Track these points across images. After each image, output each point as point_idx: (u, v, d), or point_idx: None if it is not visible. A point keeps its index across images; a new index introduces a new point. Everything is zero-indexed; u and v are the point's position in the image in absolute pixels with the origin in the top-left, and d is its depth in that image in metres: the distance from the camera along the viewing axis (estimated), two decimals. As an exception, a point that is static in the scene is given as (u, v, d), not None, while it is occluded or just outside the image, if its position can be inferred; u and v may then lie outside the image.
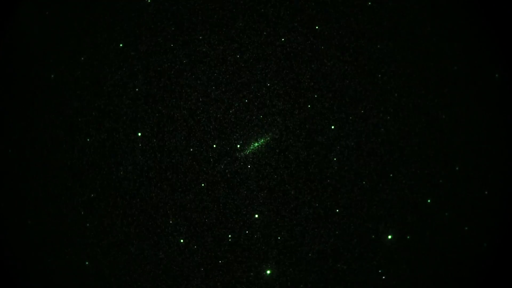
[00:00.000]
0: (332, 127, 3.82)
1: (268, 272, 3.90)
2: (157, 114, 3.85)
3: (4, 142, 4.11)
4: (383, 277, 3.91)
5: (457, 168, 3.93)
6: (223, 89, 3.83)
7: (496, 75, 4.04)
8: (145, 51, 3.89)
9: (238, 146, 3.82)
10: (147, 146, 3.86)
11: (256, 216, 3.84)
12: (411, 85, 3.88)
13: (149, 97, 3.86)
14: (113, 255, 3.94)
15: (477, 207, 3.99)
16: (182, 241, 3.89)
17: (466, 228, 3.98)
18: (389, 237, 3.89)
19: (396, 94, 3.85)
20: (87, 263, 3.98)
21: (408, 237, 3.90)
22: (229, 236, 3.86)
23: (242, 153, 3.83)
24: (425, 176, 3.89)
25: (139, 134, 3.86)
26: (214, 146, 3.82)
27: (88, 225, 3.95)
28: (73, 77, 3.98)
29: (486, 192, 3.99)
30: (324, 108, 3.81)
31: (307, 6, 3.86)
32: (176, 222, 3.87)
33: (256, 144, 3.82)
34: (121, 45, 3.91)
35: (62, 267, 4.04)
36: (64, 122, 3.97)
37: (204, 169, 3.83)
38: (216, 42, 3.84)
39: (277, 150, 3.82)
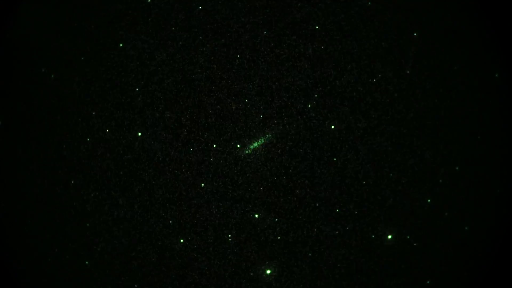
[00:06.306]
0: (332, 127, 3.82)
1: (268, 272, 3.89)
2: (157, 114, 3.85)
3: (4, 142, 4.11)
4: (383, 277, 3.91)
5: (457, 168, 3.93)
6: (223, 89, 3.83)
7: (496, 75, 4.04)
8: (145, 51, 3.89)
9: (238, 145, 3.82)
10: (147, 146, 3.86)
11: (256, 216, 3.84)
12: (411, 85, 3.88)
13: (149, 97, 3.86)
14: (113, 255, 3.94)
15: (477, 207, 3.98)
16: (182, 241, 3.89)
17: (466, 228, 3.97)
18: (389, 237, 3.89)
19: (396, 94, 3.86)
20: (87, 263, 3.98)
21: (408, 237, 3.90)
22: (229, 236, 3.86)
23: (242, 153, 3.83)
24: (425, 176, 3.89)
25: (139, 134, 3.86)
26: (214, 146, 3.82)
27: (88, 225, 3.95)
28: (73, 77, 3.98)
29: (485, 192, 3.99)
30: (324, 108, 3.81)
31: (306, 6, 3.86)
32: (176, 222, 3.87)
33: (257, 144, 3.82)
34: (121, 45, 3.91)
35: (62, 267, 4.04)
36: (64, 122, 3.97)
37: (204, 169, 3.83)
38: (217, 42, 3.84)
39: (277, 150, 3.82)
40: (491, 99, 4.02)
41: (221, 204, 3.85)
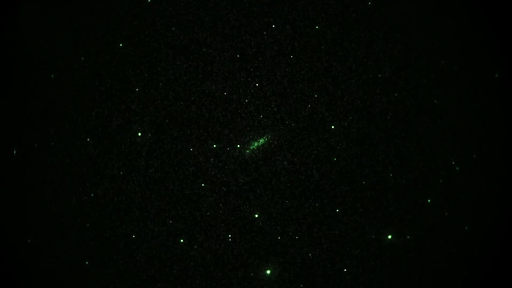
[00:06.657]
0: (332, 126, 3.82)
1: (268, 272, 3.89)
2: (157, 114, 3.85)
3: (4, 142, 4.11)
4: (383, 277, 3.91)
5: (457, 168, 3.93)
6: (223, 89, 3.83)
7: (496, 75, 4.04)
8: (145, 51, 3.89)
9: (238, 146, 3.82)
10: (147, 146, 3.86)
11: (256, 216, 3.84)
12: (411, 84, 3.88)
13: (149, 97, 3.86)
14: (113, 255, 3.94)
15: (477, 207, 3.98)
16: (182, 241, 3.89)
17: (466, 228, 3.97)
18: (389, 237, 3.89)
19: (396, 94, 3.86)
20: (87, 263, 3.98)
21: (408, 237, 3.90)
22: (229, 236, 3.86)
23: (242, 153, 3.83)
24: (425, 176, 3.89)
25: (139, 134, 3.86)
26: (214, 146, 3.82)
27: (88, 225, 3.95)
28: (73, 77, 3.98)
29: (485, 192, 3.99)
30: (324, 107, 3.81)
31: (306, 6, 3.86)
32: (176, 222, 3.87)
33: (256, 144, 3.82)
34: (121, 45, 3.92)
35: (62, 267, 4.04)
36: (64, 122, 3.97)
37: (204, 169, 3.83)
38: (216, 41, 3.84)
39: (277, 150, 3.82)
40: (491, 99, 4.02)
41: (221, 204, 3.85)
